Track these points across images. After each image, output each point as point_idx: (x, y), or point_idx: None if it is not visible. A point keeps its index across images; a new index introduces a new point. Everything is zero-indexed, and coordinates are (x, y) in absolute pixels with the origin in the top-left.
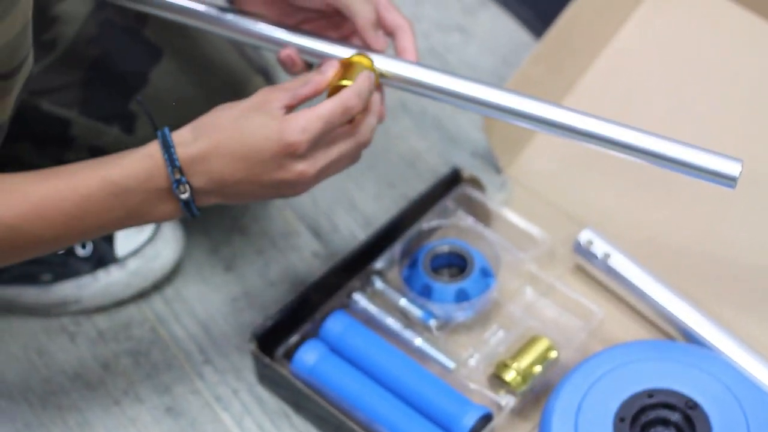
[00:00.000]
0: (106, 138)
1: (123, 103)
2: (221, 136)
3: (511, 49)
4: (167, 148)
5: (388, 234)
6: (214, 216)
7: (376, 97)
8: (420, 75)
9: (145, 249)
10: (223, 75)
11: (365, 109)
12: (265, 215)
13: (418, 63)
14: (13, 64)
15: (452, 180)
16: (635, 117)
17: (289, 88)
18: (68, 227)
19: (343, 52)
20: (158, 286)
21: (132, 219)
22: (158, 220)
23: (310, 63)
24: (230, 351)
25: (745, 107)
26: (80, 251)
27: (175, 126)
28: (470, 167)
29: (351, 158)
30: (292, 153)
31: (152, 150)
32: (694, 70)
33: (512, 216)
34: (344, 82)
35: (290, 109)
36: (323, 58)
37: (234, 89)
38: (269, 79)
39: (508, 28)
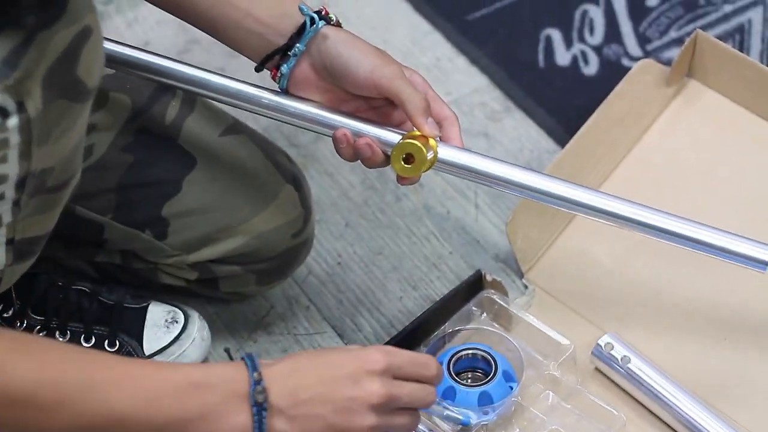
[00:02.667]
0: (138, 243)
1: (156, 210)
2: (303, 356)
3: (534, 156)
4: (251, 359)
5: (412, 336)
6: (239, 313)
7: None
8: (471, 161)
9: (172, 348)
10: (254, 184)
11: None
12: (290, 315)
13: (469, 150)
14: (65, 178)
15: (475, 284)
16: None
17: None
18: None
19: (395, 136)
20: None
21: (201, 421)
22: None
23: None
24: None
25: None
26: (108, 347)
27: (201, 234)
28: (493, 271)
29: (417, 402)
30: (369, 368)
31: (237, 361)
32: (714, 179)
33: (534, 320)
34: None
35: None
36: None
37: (264, 199)
38: (299, 188)
39: (532, 135)
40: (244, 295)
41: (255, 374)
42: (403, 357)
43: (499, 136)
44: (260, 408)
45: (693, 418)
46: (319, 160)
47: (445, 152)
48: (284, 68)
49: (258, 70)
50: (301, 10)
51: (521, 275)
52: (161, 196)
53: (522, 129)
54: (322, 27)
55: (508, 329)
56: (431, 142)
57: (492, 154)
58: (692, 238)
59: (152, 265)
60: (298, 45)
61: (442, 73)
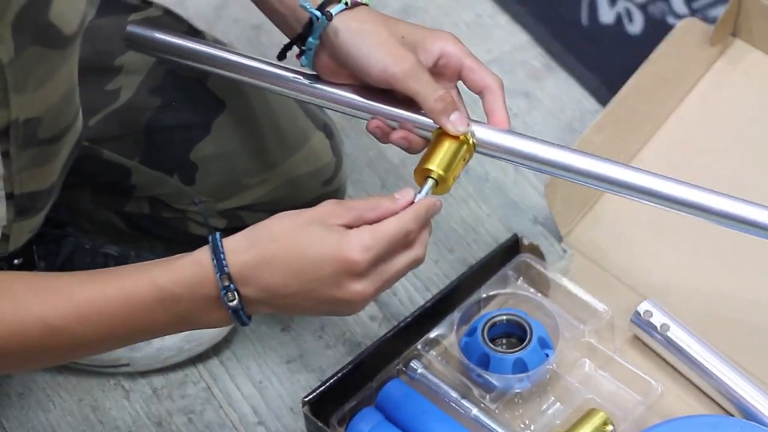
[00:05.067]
0: (166, 188)
1: (184, 153)
2: (276, 246)
3: (576, 116)
4: (217, 254)
5: (447, 300)
6: None
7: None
8: (509, 143)
9: None
10: (285, 129)
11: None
12: None
13: (506, 131)
14: (58, 129)
15: (512, 248)
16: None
17: (355, 207)
18: (112, 331)
19: (429, 120)
20: (214, 345)
21: (179, 326)
22: (207, 327)
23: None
24: (284, 414)
25: None
26: None
27: (230, 180)
28: (531, 234)
29: (405, 273)
30: (351, 271)
31: (202, 256)
32: (758, 143)
33: (572, 286)
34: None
35: (350, 228)
36: (413, 126)
37: (294, 143)
38: (330, 136)
39: (574, 95)
40: None
41: (223, 278)
42: (384, 242)
43: (540, 95)
44: (235, 309)
45: (733, 388)
46: (357, 119)
47: (483, 136)
48: (304, 60)
49: (280, 58)
50: (303, 7)
51: (560, 239)
52: (189, 140)
53: (564, 88)
54: (335, 18)
55: (545, 294)
56: (461, 138)
57: (532, 113)
58: (727, 213)
59: (181, 214)
60: (310, 39)
61: (483, 29)
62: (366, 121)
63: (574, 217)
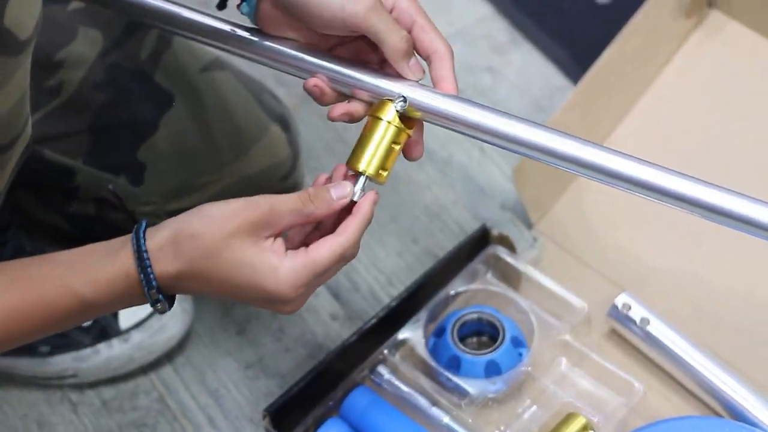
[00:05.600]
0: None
1: (131, 153)
2: (205, 263)
3: (544, 93)
4: (144, 269)
5: (413, 298)
6: None
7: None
8: (455, 110)
9: (151, 321)
10: (238, 123)
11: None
12: None
13: (454, 97)
14: (8, 138)
15: (481, 239)
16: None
17: (286, 214)
18: (31, 335)
19: (374, 80)
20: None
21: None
22: None
23: (341, 92)
24: (243, 425)
25: None
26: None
27: (181, 179)
28: (499, 221)
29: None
30: (282, 301)
31: (128, 268)
32: (738, 119)
33: (544, 279)
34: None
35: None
36: (354, 87)
37: (249, 139)
38: (287, 128)
39: (541, 70)
40: None
41: (151, 293)
42: (319, 269)
43: (505, 70)
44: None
45: (719, 386)
46: (311, 101)
47: (421, 99)
48: (245, 8)
49: (220, 8)
50: None
51: (530, 226)
52: (137, 138)
53: (530, 63)
54: None
55: (517, 288)
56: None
57: (498, 90)
58: (710, 205)
59: (127, 215)
60: None
61: (444, 1)
62: (304, 82)
63: (545, 202)
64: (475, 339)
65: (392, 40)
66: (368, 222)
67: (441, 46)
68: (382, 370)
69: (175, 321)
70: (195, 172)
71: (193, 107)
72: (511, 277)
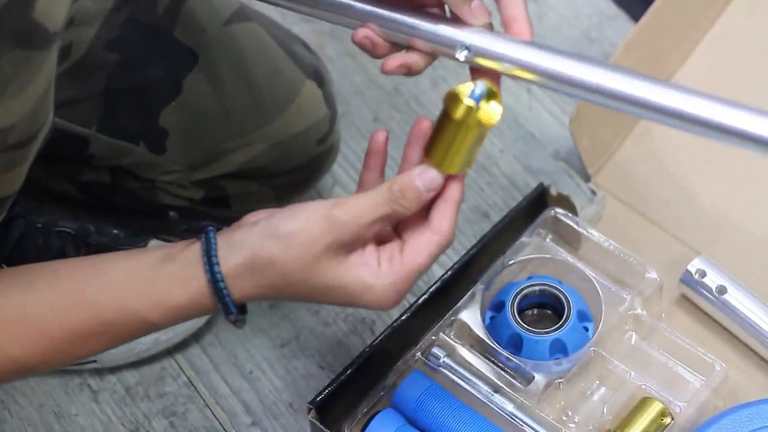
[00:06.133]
0: (131, 158)
1: (151, 118)
2: (289, 289)
3: (593, 23)
4: (222, 299)
5: (466, 270)
6: None
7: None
8: (532, 59)
9: None
10: (270, 81)
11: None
12: None
13: (529, 44)
14: (31, 132)
15: (538, 199)
16: None
17: (382, 212)
18: (93, 353)
19: (432, 27)
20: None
21: None
22: None
23: (395, 43)
24: (282, 411)
25: None
26: None
27: (208, 146)
28: (552, 172)
29: None
30: (381, 306)
31: (200, 294)
32: None
33: (612, 244)
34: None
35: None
36: (409, 36)
37: (282, 99)
38: (322, 83)
39: None
40: None
41: (229, 316)
42: (417, 276)
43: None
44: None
45: None
46: (339, 38)
47: (488, 46)
48: None
49: None
50: None
51: (587, 178)
52: (157, 101)
53: None
54: None
55: (577, 250)
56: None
57: (543, 21)
58: None
59: (149, 184)
60: None
61: None
62: (352, 33)
63: (604, 152)
64: (536, 311)
65: None
66: (459, 206)
67: None
68: (437, 352)
69: None
70: (222, 138)
71: (219, 66)
72: (571, 240)
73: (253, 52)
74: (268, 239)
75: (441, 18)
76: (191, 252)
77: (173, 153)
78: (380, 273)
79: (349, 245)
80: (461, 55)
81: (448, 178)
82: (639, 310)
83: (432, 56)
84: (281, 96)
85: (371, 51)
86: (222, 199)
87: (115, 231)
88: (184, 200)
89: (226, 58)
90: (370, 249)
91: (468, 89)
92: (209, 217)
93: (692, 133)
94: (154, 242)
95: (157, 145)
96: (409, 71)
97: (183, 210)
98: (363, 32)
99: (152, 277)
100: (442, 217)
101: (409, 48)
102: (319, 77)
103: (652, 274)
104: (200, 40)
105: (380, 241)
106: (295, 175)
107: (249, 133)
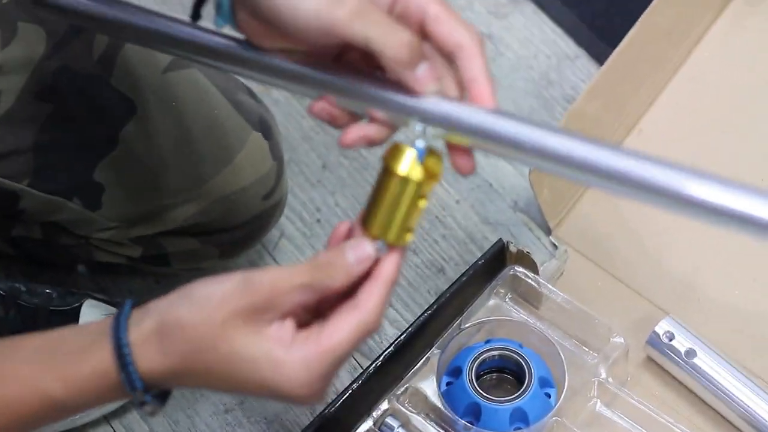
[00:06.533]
0: (65, 214)
1: (86, 173)
2: (198, 358)
3: (552, 64)
4: (125, 367)
5: (422, 333)
6: None
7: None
8: (496, 127)
9: None
10: (211, 134)
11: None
12: None
13: (488, 111)
14: None
15: (497, 256)
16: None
17: (304, 281)
18: None
19: (385, 96)
20: None
21: None
22: None
23: (354, 112)
24: None
25: None
26: None
27: (147, 202)
28: (511, 224)
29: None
30: (293, 399)
31: (106, 364)
32: None
33: (574, 304)
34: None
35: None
36: (365, 106)
37: (226, 152)
38: (269, 134)
39: (547, 35)
40: (202, 270)
41: (136, 393)
42: (337, 362)
43: (506, 37)
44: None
45: None
46: None
47: (445, 117)
48: (219, 21)
49: (194, 18)
50: None
51: (548, 231)
52: (92, 155)
53: (534, 27)
54: None
55: (537, 307)
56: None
57: (499, 62)
58: None
59: (83, 240)
60: None
61: None
62: (309, 105)
63: (565, 204)
64: (494, 375)
65: (387, 48)
66: (392, 287)
67: (464, 37)
68: (391, 422)
69: None
70: (160, 194)
71: (156, 117)
72: (532, 299)
73: (194, 102)
74: (179, 301)
75: (396, 85)
76: (104, 323)
77: (109, 209)
78: (291, 349)
79: (262, 313)
80: (417, 127)
81: (384, 260)
82: (603, 375)
83: (392, 126)
84: (224, 149)
85: (331, 123)
86: (161, 256)
87: (47, 290)
88: (122, 258)
89: (163, 109)
90: (288, 324)
91: (409, 144)
92: (147, 273)
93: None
94: (89, 302)
95: (92, 200)
96: (370, 143)
97: (117, 266)
98: (320, 105)
99: (58, 348)
100: (368, 296)
101: (369, 117)
102: (265, 128)
103: (618, 339)
104: (138, 89)
105: (304, 324)
106: (239, 232)
107: (189, 190)
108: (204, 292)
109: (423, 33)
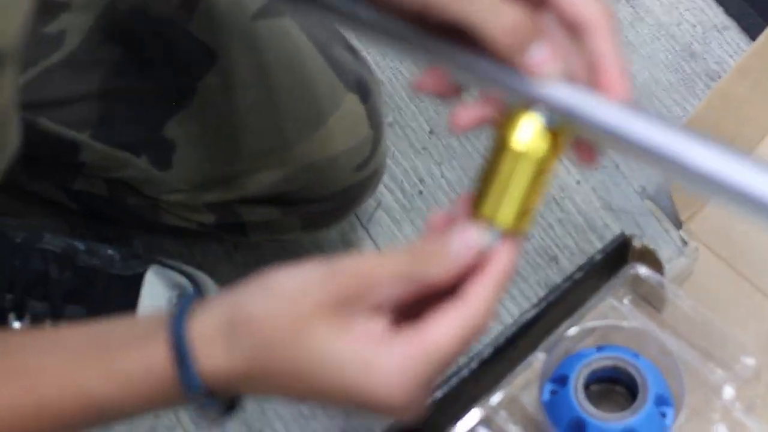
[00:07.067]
0: (130, 171)
1: (156, 128)
2: (272, 359)
3: (697, 34)
4: (181, 358)
5: (525, 335)
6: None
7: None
8: (623, 124)
9: None
10: (301, 93)
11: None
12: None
13: (616, 104)
14: None
15: (618, 252)
16: None
17: (400, 270)
18: None
19: (497, 75)
20: None
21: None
22: None
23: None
24: None
25: None
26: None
27: (223, 164)
28: (637, 212)
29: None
30: (387, 410)
31: (160, 362)
32: None
33: (700, 312)
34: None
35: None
36: (478, 84)
37: (317, 114)
38: (366, 97)
39: (694, 1)
40: (282, 242)
41: (195, 395)
42: (442, 363)
43: (648, 1)
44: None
45: None
46: None
47: (564, 104)
48: None
49: None
50: None
51: (679, 224)
52: (164, 108)
53: None
54: None
55: (659, 311)
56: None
57: (638, 28)
58: None
59: (151, 201)
60: None
61: None
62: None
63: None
64: (604, 387)
65: (492, 33)
66: (506, 282)
67: (589, 11)
68: None
69: None
70: (241, 157)
71: (243, 69)
72: (654, 301)
73: (283, 55)
74: (250, 292)
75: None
76: (160, 315)
77: (180, 170)
78: (385, 349)
79: (350, 306)
80: (543, 117)
81: (497, 251)
82: (729, 397)
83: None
84: (314, 112)
85: (439, 96)
86: (238, 226)
87: (110, 252)
88: (192, 223)
89: (248, 61)
90: (380, 321)
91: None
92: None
93: None
94: (155, 269)
95: (161, 159)
96: (487, 123)
97: (190, 231)
98: (425, 80)
99: (104, 341)
100: (478, 290)
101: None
102: (363, 89)
103: (749, 359)
104: (221, 37)
105: (394, 324)
106: (327, 204)
107: (271, 154)
108: (281, 282)
109: (543, 4)
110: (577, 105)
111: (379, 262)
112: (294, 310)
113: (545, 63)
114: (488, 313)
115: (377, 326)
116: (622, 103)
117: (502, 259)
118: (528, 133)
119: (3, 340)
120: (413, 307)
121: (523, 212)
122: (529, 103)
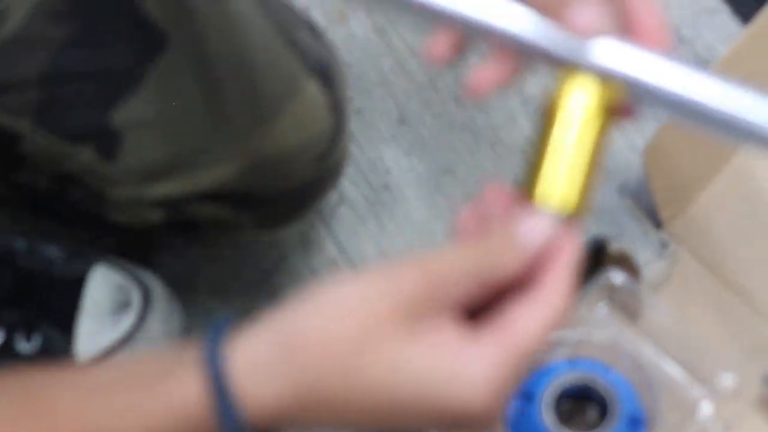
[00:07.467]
0: (73, 163)
1: (102, 115)
2: (338, 383)
3: (686, 17)
4: (225, 410)
5: None
6: (232, 268)
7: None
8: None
9: (121, 350)
10: (260, 77)
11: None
12: (307, 271)
13: (661, 55)
14: None
15: (591, 257)
16: None
17: (470, 267)
18: None
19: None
20: None
21: None
22: None
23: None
24: None
25: None
26: (23, 345)
27: (172, 156)
28: (613, 211)
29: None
30: (472, 419)
31: (192, 401)
32: None
33: (678, 324)
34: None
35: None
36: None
37: (270, 103)
38: (329, 82)
39: None
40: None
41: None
42: (523, 360)
43: None
44: None
45: None
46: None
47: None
48: None
49: None
50: None
51: (658, 224)
52: (111, 94)
53: None
54: None
55: (634, 319)
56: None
57: None
58: None
59: (97, 196)
60: None
61: None
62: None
63: (684, 194)
64: (576, 404)
65: None
66: (576, 269)
67: None
68: None
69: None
70: (193, 147)
71: (196, 52)
72: (629, 308)
73: (242, 36)
74: (298, 311)
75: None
76: (190, 345)
77: (128, 161)
78: (464, 353)
79: (421, 315)
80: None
81: (563, 237)
82: (707, 415)
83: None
84: (269, 100)
85: (450, 60)
86: (187, 224)
87: (52, 250)
88: (140, 221)
89: (205, 43)
90: (451, 325)
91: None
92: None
93: None
94: (101, 271)
95: (107, 149)
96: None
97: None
98: (443, 45)
99: (122, 379)
100: (555, 277)
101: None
102: (325, 74)
103: (728, 380)
104: (174, 18)
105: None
106: (284, 201)
107: (227, 143)
108: (339, 299)
109: None
110: (633, 65)
111: (444, 259)
112: (360, 329)
113: (591, 10)
114: (567, 302)
115: (454, 331)
116: (682, 61)
117: (573, 242)
118: (584, 99)
119: (23, 379)
120: (475, 305)
121: (585, 189)
122: (579, 66)
